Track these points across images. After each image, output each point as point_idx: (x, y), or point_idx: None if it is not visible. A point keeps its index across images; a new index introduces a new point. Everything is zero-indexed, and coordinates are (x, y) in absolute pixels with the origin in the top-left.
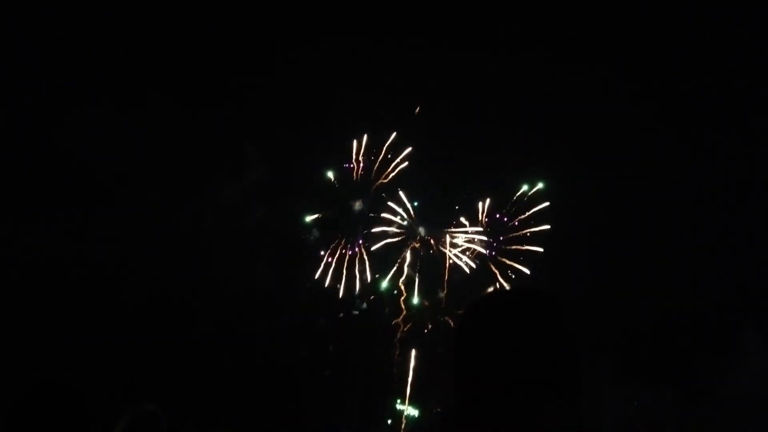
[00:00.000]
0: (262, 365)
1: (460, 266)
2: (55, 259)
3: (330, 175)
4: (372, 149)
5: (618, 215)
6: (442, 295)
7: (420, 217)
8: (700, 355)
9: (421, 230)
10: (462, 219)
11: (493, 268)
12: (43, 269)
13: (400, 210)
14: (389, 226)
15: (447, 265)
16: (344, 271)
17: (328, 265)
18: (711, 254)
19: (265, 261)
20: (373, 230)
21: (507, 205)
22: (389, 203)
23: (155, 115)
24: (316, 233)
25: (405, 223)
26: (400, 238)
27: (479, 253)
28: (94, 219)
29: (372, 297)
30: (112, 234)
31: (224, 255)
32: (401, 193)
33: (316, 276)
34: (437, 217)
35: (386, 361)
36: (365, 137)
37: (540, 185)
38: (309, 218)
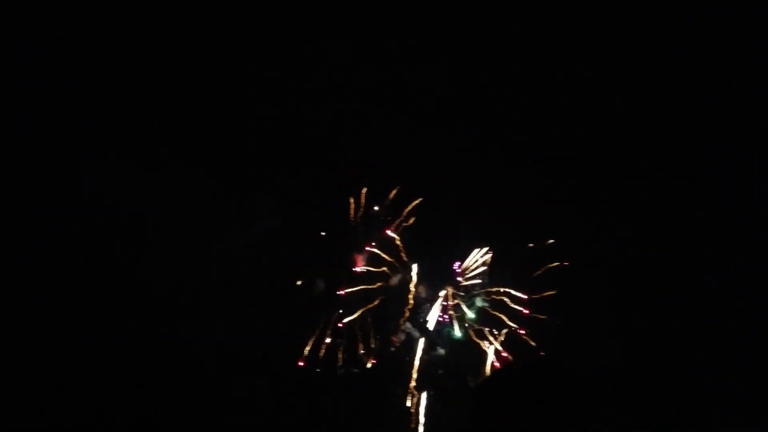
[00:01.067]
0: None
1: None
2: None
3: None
4: (373, 203)
5: (628, 274)
6: (441, 351)
7: (419, 273)
8: (716, 414)
9: (421, 289)
10: (459, 279)
11: (492, 335)
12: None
13: (395, 264)
14: (387, 282)
15: (450, 321)
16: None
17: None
18: (728, 304)
19: (263, 313)
20: (371, 287)
21: (506, 264)
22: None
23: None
24: (320, 285)
25: (398, 278)
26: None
27: (483, 310)
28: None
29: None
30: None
31: (222, 301)
32: (400, 246)
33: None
34: (436, 273)
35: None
36: (364, 191)
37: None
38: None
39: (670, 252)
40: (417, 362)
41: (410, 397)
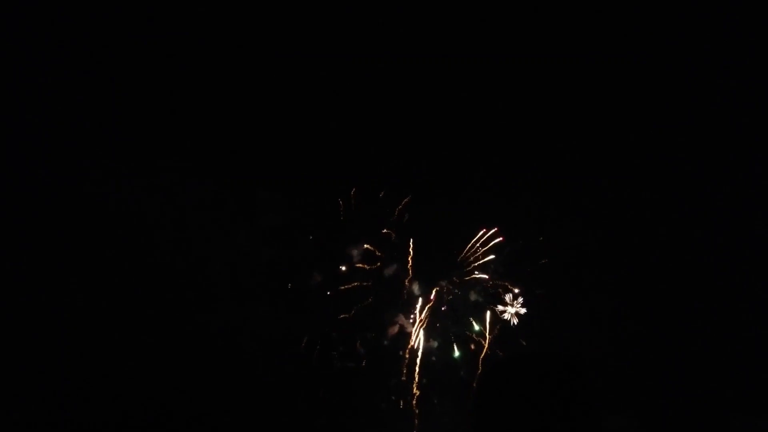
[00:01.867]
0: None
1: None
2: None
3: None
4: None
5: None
6: (434, 344)
7: (413, 267)
8: (728, 412)
9: (416, 283)
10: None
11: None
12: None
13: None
14: (381, 277)
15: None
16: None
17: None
18: (736, 302)
19: (265, 304)
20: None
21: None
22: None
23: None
24: (315, 280)
25: (392, 273)
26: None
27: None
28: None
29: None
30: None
31: (227, 295)
32: (394, 242)
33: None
34: (431, 266)
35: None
36: (354, 190)
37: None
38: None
39: (668, 249)
40: (409, 355)
41: (404, 390)
